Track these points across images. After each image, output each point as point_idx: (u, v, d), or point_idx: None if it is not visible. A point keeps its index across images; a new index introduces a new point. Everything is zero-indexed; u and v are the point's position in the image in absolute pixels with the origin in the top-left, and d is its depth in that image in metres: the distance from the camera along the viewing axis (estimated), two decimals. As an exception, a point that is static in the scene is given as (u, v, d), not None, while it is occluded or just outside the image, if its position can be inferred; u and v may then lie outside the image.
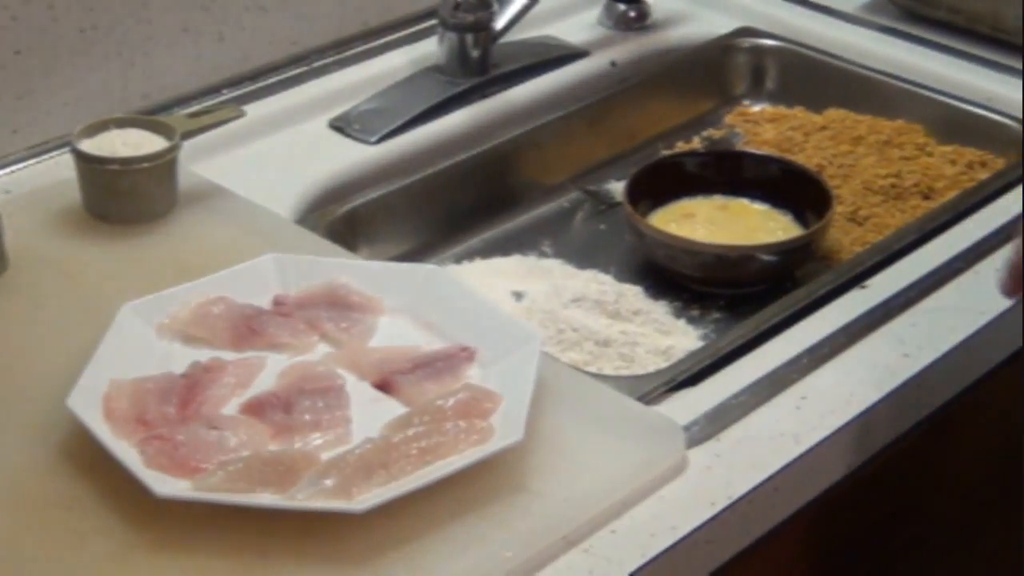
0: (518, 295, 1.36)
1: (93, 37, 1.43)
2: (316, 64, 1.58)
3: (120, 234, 1.26)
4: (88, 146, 1.26)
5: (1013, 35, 1.62)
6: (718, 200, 1.47)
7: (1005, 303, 1.21)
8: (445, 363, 1.09)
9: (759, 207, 1.46)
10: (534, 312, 1.32)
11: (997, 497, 1.39)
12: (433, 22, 1.59)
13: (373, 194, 1.42)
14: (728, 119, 1.66)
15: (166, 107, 1.48)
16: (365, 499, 0.96)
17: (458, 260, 1.44)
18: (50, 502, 0.98)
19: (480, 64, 1.56)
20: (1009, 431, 1.33)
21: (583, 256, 1.44)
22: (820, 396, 1.12)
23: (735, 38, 1.70)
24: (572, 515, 0.99)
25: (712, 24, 1.72)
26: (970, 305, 1.22)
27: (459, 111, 1.53)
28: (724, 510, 1.02)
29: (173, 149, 1.27)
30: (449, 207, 1.47)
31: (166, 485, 0.96)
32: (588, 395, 1.10)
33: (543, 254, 1.45)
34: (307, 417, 1.04)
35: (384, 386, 1.07)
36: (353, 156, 1.45)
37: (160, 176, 1.27)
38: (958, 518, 1.36)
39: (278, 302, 1.15)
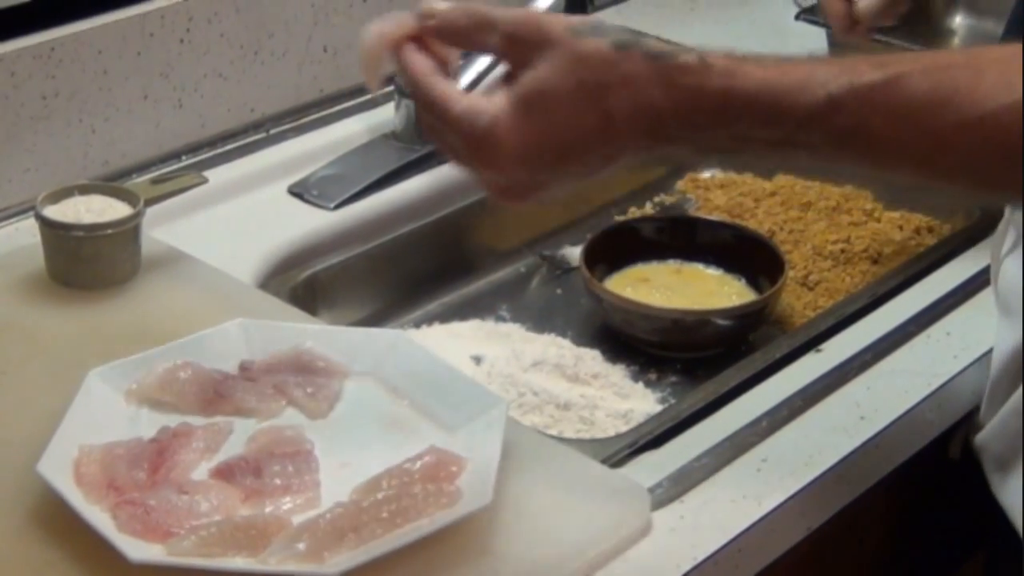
0: (477, 359, 1.38)
1: (54, 104, 1.44)
2: (274, 131, 1.60)
3: (83, 300, 1.27)
4: (52, 212, 1.27)
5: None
6: (673, 265, 1.49)
7: (959, 366, 1.24)
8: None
9: (713, 272, 1.49)
10: (494, 376, 1.34)
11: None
12: (389, 89, 1.61)
13: (333, 259, 1.44)
14: (679, 185, 1.69)
15: (126, 173, 1.49)
16: (337, 562, 0.97)
17: (417, 325, 1.45)
18: (22, 568, 0.98)
19: (436, 132, 1.57)
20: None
21: (540, 320, 1.46)
22: (780, 458, 1.14)
23: (685, 105, 1.73)
24: (540, 578, 1.01)
25: (662, 92, 1.75)
26: (923, 368, 1.24)
27: (416, 177, 1.55)
28: (689, 572, 1.03)
29: (137, 215, 1.28)
30: (407, 272, 1.49)
31: (140, 550, 0.97)
32: (553, 458, 1.11)
33: (501, 318, 1.46)
34: (277, 481, 1.04)
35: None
36: (312, 222, 1.46)
37: (124, 242, 1.28)
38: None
39: (244, 367, 1.16)
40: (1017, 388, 1.17)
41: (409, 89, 0.97)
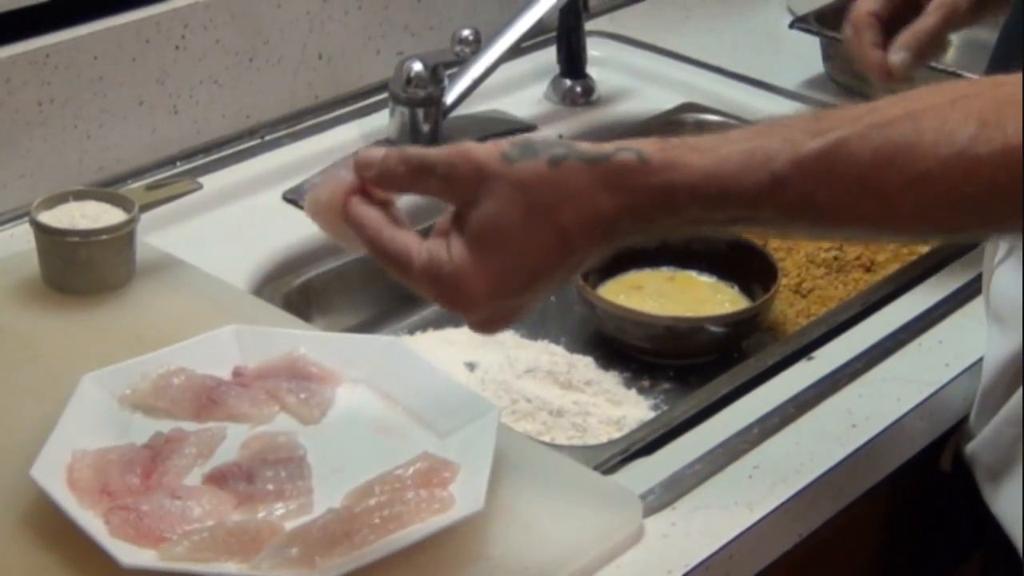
0: (471, 366, 1.38)
1: (50, 110, 1.44)
2: (269, 137, 1.60)
3: (78, 305, 1.27)
4: (47, 218, 1.27)
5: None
6: (666, 272, 1.50)
7: (950, 374, 1.24)
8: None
9: (706, 279, 1.49)
10: (487, 383, 1.34)
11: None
12: (383, 96, 1.61)
13: (327, 266, 1.44)
14: (673, 193, 1.69)
15: (121, 179, 1.49)
16: (329, 568, 0.97)
17: (411, 331, 1.45)
18: (15, 573, 0.99)
19: (431, 137, 1.58)
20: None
21: (534, 327, 1.46)
22: (772, 465, 1.14)
23: (679, 113, 1.74)
24: (532, 584, 1.01)
25: (656, 100, 1.76)
26: (915, 376, 1.25)
27: (410, 184, 1.55)
28: (681, 578, 1.04)
29: (131, 221, 1.28)
30: (402, 279, 1.48)
31: (132, 555, 0.97)
32: (545, 465, 1.11)
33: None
34: (270, 487, 1.05)
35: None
36: (306, 228, 1.44)
37: (118, 248, 1.28)
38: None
39: (238, 373, 1.17)
40: (1009, 397, 1.17)
41: (366, 246, 0.96)
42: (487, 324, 0.96)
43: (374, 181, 0.96)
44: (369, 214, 0.95)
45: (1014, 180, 0.83)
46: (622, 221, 0.90)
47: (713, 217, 0.89)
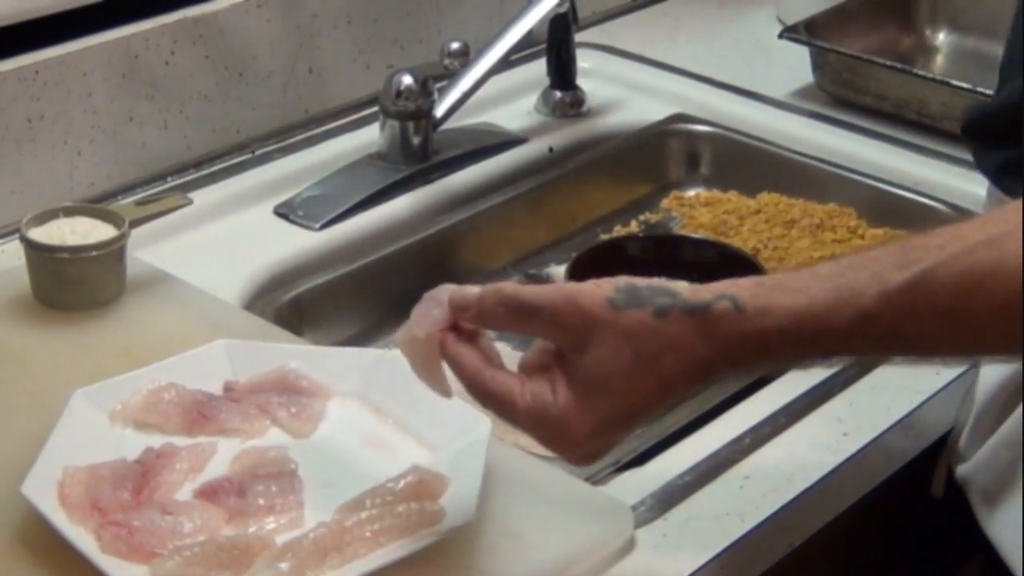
0: (462, 378, 1.38)
1: (39, 126, 1.44)
2: (259, 152, 1.60)
3: (69, 321, 1.27)
4: (37, 234, 1.27)
5: (938, 120, 1.66)
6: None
7: (941, 383, 1.24)
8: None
9: (697, 289, 1.49)
10: (479, 395, 1.33)
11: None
12: (374, 109, 1.61)
13: (318, 279, 1.44)
14: (664, 203, 1.69)
15: (112, 195, 1.49)
16: (320, 582, 0.97)
17: (402, 344, 1.45)
18: (6, 589, 0.99)
19: (421, 151, 1.58)
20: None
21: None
22: (763, 475, 1.14)
23: (669, 124, 1.74)
24: (523, 595, 1.01)
25: (646, 111, 1.76)
26: (906, 384, 1.25)
27: (401, 197, 1.55)
28: (672, 589, 1.04)
29: (121, 237, 1.28)
30: (393, 292, 1.49)
31: (123, 571, 0.97)
32: (536, 477, 1.11)
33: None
34: (261, 501, 1.05)
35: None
36: (298, 242, 1.47)
37: (108, 264, 1.28)
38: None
39: (229, 388, 1.17)
40: (1004, 419, 1.17)
41: (465, 384, 0.98)
42: (584, 459, 0.99)
43: (472, 321, 0.98)
44: (467, 353, 0.98)
45: None
46: (717, 366, 0.93)
47: (807, 353, 0.93)
